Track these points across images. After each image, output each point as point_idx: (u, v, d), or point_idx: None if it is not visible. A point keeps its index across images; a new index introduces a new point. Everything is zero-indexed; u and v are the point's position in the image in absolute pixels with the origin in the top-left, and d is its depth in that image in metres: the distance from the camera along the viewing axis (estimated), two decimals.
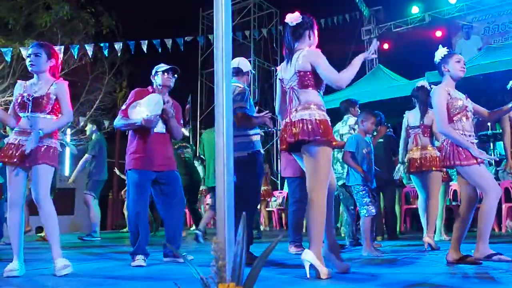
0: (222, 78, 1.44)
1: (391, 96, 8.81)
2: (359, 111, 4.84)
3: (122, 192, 9.38)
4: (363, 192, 3.90)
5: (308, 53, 2.69)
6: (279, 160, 13.37)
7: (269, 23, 13.96)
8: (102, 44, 9.57)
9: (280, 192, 9.59)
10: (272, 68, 14.04)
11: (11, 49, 8.98)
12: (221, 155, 1.41)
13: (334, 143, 2.67)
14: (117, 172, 9.19)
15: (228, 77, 1.45)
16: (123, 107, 3.57)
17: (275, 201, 9.41)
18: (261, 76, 13.72)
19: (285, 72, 2.82)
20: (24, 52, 9.05)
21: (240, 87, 3.57)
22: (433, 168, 4.27)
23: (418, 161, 4.33)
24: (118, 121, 3.55)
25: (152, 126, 3.42)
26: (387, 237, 5.52)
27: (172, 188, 3.57)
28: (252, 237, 3.52)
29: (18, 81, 3.08)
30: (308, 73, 2.67)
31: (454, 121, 3.02)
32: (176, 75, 3.71)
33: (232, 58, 1.51)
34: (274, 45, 14.23)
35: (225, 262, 1.28)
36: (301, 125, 2.59)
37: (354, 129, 4.62)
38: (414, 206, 7.14)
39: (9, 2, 10.87)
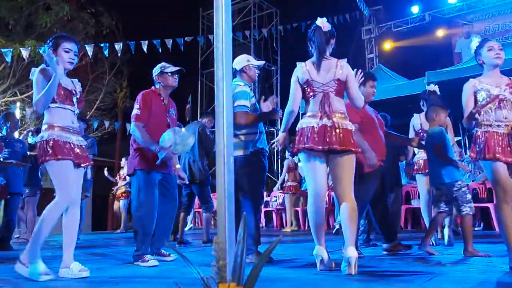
0: (222, 78, 1.44)
1: (391, 96, 8.81)
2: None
3: (118, 192, 9.31)
4: (465, 188, 3.67)
5: (347, 66, 2.90)
6: (279, 160, 13.38)
7: (269, 23, 13.96)
8: (102, 44, 9.58)
9: (280, 192, 9.58)
10: (272, 68, 14.05)
11: (11, 49, 8.98)
12: (221, 155, 1.41)
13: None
14: (106, 174, 9.18)
15: (228, 77, 1.45)
16: (137, 112, 3.50)
17: (275, 201, 9.40)
18: (261, 76, 13.73)
19: (317, 75, 2.88)
20: (24, 53, 9.07)
21: (241, 84, 3.50)
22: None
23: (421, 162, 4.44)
24: (139, 133, 3.45)
25: (163, 160, 3.41)
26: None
27: (171, 191, 3.63)
28: (259, 237, 3.47)
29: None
30: (343, 83, 2.86)
31: (483, 112, 2.84)
32: (179, 75, 3.73)
33: (232, 58, 1.50)
34: (274, 45, 14.23)
35: (225, 262, 1.28)
36: (344, 133, 2.76)
37: None
38: (415, 206, 7.15)
39: (9, 2, 10.88)
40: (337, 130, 2.74)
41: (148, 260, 3.30)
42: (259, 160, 3.47)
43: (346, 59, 2.94)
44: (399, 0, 13.26)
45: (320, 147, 2.73)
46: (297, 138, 2.86)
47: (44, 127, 2.83)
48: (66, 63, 2.86)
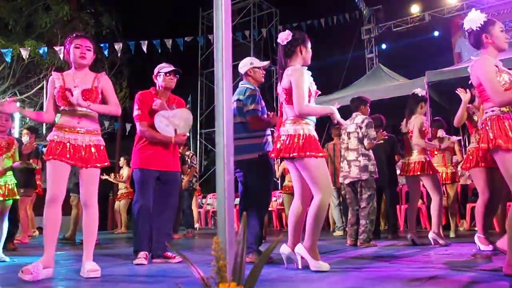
0: (222, 78, 1.44)
1: (392, 96, 8.81)
2: (369, 109, 4.88)
3: (119, 192, 9.30)
4: None
5: (291, 72, 2.87)
6: (279, 160, 13.37)
7: (269, 23, 13.97)
8: (102, 45, 9.57)
9: (280, 192, 9.58)
10: (272, 68, 14.05)
11: (11, 50, 8.98)
12: (221, 155, 1.40)
13: (320, 154, 2.84)
14: (111, 179, 9.17)
15: (228, 77, 1.45)
16: (138, 112, 3.57)
17: (275, 201, 9.41)
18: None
19: (279, 87, 3.04)
20: (24, 53, 9.07)
21: (250, 88, 3.54)
22: (419, 173, 4.48)
23: (407, 165, 4.59)
24: (147, 132, 3.51)
25: (179, 143, 3.56)
26: (390, 237, 5.50)
27: (170, 188, 3.63)
28: (262, 237, 3.51)
29: (53, 72, 2.98)
30: (290, 89, 2.88)
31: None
32: (177, 76, 3.73)
33: (232, 58, 1.50)
34: (274, 45, 14.23)
35: (226, 262, 1.28)
36: (286, 140, 2.86)
37: (360, 128, 4.61)
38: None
39: (9, 3, 10.88)
40: (280, 138, 2.93)
41: (138, 258, 3.36)
42: (267, 163, 3.50)
43: (292, 67, 2.90)
44: (399, 0, 13.26)
45: (273, 155, 3.00)
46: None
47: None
48: (78, 58, 2.90)
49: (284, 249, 2.97)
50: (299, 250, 2.87)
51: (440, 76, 8.32)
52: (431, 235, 4.41)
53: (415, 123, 4.50)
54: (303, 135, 2.83)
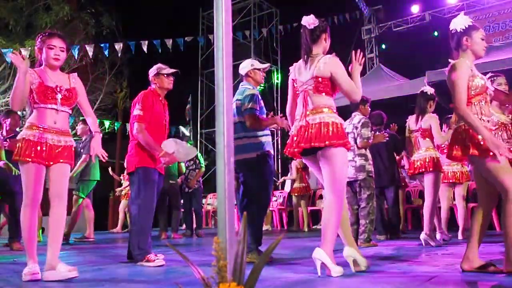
0: (222, 78, 1.44)
1: (392, 96, 8.81)
2: (369, 109, 4.87)
3: (118, 190, 9.31)
4: None
5: (331, 61, 2.74)
6: (279, 161, 13.38)
7: (269, 23, 13.96)
8: (102, 45, 9.58)
9: (280, 192, 9.59)
10: (273, 68, 14.04)
11: (12, 50, 8.97)
12: (221, 155, 1.40)
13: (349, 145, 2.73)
14: (111, 172, 9.18)
15: (228, 77, 1.45)
16: (140, 112, 3.51)
17: (275, 200, 9.41)
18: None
19: (299, 74, 2.86)
20: (24, 53, 9.06)
21: (249, 88, 3.58)
22: (430, 169, 4.41)
23: (417, 163, 4.50)
24: (147, 136, 3.47)
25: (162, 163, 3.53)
26: (392, 237, 5.49)
27: (171, 188, 3.65)
28: (261, 237, 3.50)
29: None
30: (326, 80, 2.74)
31: (473, 104, 2.59)
32: (174, 76, 3.75)
33: (233, 58, 1.50)
34: (274, 45, 14.24)
35: (226, 262, 1.28)
36: (318, 129, 2.64)
37: (356, 128, 4.61)
38: (415, 205, 7.16)
39: (9, 3, 10.88)
40: (310, 128, 2.67)
41: (155, 260, 3.30)
42: (267, 162, 3.50)
43: (333, 54, 2.82)
44: (399, 0, 13.26)
45: (296, 150, 2.73)
46: (288, 142, 2.86)
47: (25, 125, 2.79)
48: (52, 59, 2.84)
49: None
50: (322, 255, 2.59)
51: (440, 76, 8.31)
52: (422, 236, 4.41)
53: (432, 122, 4.43)
54: (339, 123, 2.72)
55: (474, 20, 2.90)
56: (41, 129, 2.75)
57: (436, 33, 12.46)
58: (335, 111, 2.77)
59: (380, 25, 13.31)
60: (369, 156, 4.65)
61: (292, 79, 2.91)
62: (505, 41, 10.66)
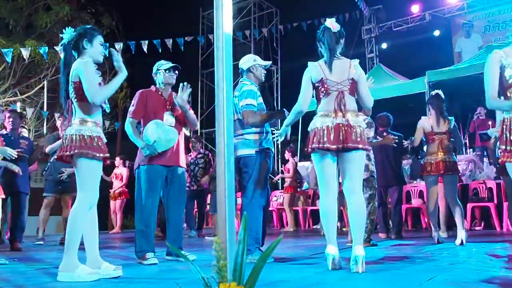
0: (222, 78, 1.44)
1: (392, 95, 8.82)
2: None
3: (116, 192, 9.26)
4: None
5: (359, 66, 2.96)
6: (279, 159, 13.38)
7: (269, 23, 13.95)
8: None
9: (280, 192, 9.58)
10: (273, 67, 14.03)
11: (12, 49, 8.98)
12: (222, 155, 1.41)
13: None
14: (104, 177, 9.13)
15: (228, 77, 1.45)
16: (132, 108, 3.58)
17: (276, 200, 9.41)
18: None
19: (330, 74, 2.92)
20: (24, 53, 9.07)
21: (247, 83, 3.50)
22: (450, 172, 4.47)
23: (442, 164, 4.47)
24: (130, 129, 3.51)
25: (147, 156, 3.47)
26: (394, 237, 5.48)
27: (177, 185, 3.60)
28: (265, 236, 3.48)
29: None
30: (356, 83, 2.92)
31: (508, 95, 2.50)
32: (177, 72, 3.74)
33: (233, 58, 1.50)
34: (274, 44, 14.23)
35: (226, 261, 1.28)
36: (357, 131, 2.80)
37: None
38: (415, 205, 7.16)
39: (9, 2, 10.88)
40: (351, 128, 2.79)
41: (148, 258, 3.32)
42: (265, 159, 3.46)
43: (358, 60, 3.00)
44: (399, 0, 13.25)
45: (335, 146, 2.77)
46: (311, 137, 2.87)
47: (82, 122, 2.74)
48: (100, 55, 2.86)
49: (334, 251, 2.78)
50: (362, 251, 2.68)
51: (440, 76, 8.33)
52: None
53: (455, 124, 4.58)
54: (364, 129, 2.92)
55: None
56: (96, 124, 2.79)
57: (436, 33, 12.42)
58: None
59: (380, 25, 13.30)
60: (372, 156, 4.65)
61: (322, 78, 2.91)
62: (505, 40, 10.66)
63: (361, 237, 2.76)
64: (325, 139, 2.77)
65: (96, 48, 2.80)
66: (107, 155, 2.77)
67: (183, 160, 3.66)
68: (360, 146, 2.78)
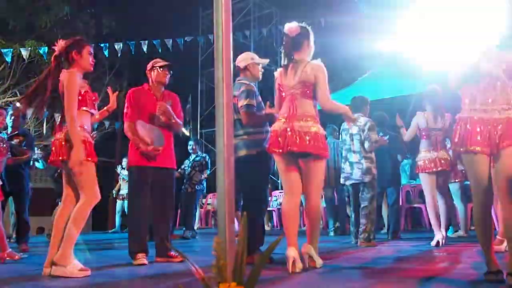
0: (222, 78, 1.44)
1: (391, 95, 8.81)
2: (368, 109, 4.87)
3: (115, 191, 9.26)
4: None
5: (318, 67, 2.89)
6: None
7: (269, 23, 13.95)
8: (102, 45, 9.56)
9: (280, 192, 9.58)
10: (273, 67, 14.02)
11: (12, 50, 8.97)
12: (222, 155, 1.41)
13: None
14: (119, 170, 9.14)
15: (228, 77, 1.45)
16: (126, 111, 3.61)
17: (276, 200, 9.41)
18: (262, 76, 13.70)
19: (285, 78, 2.97)
20: (24, 53, 9.06)
21: (246, 83, 3.41)
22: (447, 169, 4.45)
23: (436, 161, 4.43)
24: (130, 133, 3.57)
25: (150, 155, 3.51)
26: (391, 237, 5.47)
27: (166, 187, 3.57)
28: (263, 237, 3.44)
29: (78, 73, 2.98)
30: (311, 85, 2.87)
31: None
32: (171, 72, 3.72)
33: (233, 58, 1.50)
34: (274, 44, 14.22)
35: (226, 261, 1.28)
36: (304, 136, 2.78)
37: (363, 131, 4.59)
38: (415, 205, 7.15)
39: (9, 2, 10.88)
40: (296, 133, 2.79)
41: (138, 259, 3.32)
42: (265, 160, 3.41)
43: (319, 60, 2.96)
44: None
45: (279, 150, 2.83)
46: (268, 140, 3.00)
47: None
48: (89, 65, 3.03)
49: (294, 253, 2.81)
50: (309, 250, 2.86)
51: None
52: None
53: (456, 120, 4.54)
54: (322, 134, 2.89)
55: None
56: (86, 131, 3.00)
57: None
58: (318, 120, 2.92)
59: None
60: (374, 158, 4.65)
61: (278, 84, 3.03)
62: None
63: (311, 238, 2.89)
64: (273, 142, 2.88)
65: (85, 58, 2.99)
66: (95, 160, 2.91)
67: (172, 162, 3.64)
68: (304, 150, 2.77)
